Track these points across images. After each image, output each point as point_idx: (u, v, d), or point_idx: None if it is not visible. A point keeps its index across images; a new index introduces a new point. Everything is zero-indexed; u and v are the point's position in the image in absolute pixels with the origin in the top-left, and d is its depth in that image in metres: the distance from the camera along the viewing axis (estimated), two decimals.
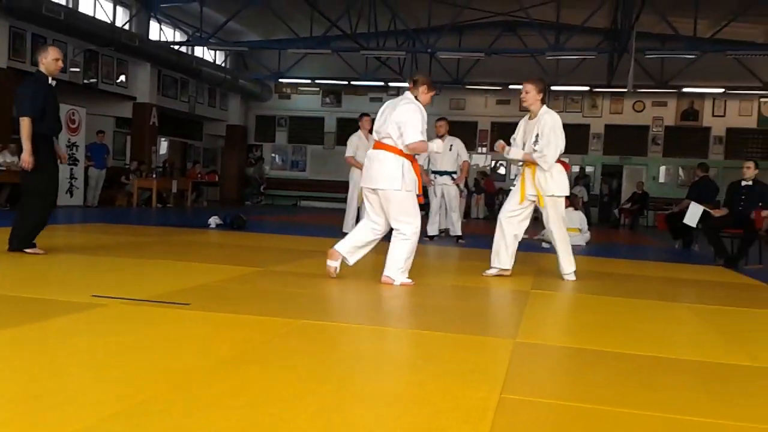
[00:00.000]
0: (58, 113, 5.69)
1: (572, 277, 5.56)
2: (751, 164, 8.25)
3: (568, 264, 5.57)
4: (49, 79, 5.58)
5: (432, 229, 9.38)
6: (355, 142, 9.30)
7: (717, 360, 3.05)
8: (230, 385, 2.25)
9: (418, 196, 4.78)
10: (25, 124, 5.28)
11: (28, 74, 13.49)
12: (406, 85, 21.82)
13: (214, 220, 10.02)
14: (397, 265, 4.73)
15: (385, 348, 2.98)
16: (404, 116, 4.65)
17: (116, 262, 5.31)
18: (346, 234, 9.12)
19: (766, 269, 7.61)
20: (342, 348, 2.92)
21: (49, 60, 5.56)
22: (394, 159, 4.66)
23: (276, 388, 2.24)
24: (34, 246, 5.47)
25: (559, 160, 5.43)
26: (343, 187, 10.31)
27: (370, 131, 9.42)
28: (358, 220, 9.39)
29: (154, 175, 16.43)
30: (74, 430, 1.76)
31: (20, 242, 5.42)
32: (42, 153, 5.40)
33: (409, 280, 4.78)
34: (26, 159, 5.29)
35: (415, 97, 4.84)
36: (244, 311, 3.56)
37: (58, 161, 5.67)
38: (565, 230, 5.64)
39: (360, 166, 9.21)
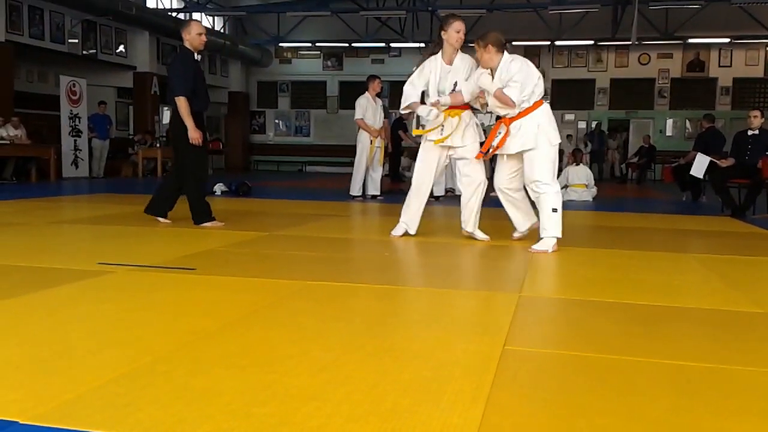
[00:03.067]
0: (206, 89, 5.79)
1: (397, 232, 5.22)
2: (757, 113, 8.16)
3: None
4: (195, 54, 5.61)
5: (438, 189, 9.35)
6: (364, 104, 9.20)
7: (723, 307, 3.05)
8: (236, 345, 2.27)
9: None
10: (181, 103, 5.41)
11: (25, 47, 13.53)
12: (407, 45, 21.41)
13: (219, 187, 10.03)
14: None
15: (389, 306, 3.00)
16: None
17: (122, 231, 5.33)
18: (353, 197, 9.21)
19: None
20: (347, 307, 2.93)
21: (193, 35, 5.55)
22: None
23: (281, 347, 2.25)
24: (212, 219, 5.63)
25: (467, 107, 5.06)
26: (348, 151, 10.25)
27: (378, 94, 9.39)
28: (365, 183, 9.40)
29: (158, 145, 16.40)
30: (81, 392, 1.78)
31: (197, 218, 5.61)
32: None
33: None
34: (193, 136, 5.42)
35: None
36: (250, 274, 3.58)
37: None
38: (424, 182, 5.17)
39: (369, 129, 9.18)
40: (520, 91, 4.63)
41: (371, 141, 9.18)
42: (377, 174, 9.46)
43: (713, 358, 2.25)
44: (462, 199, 5.14)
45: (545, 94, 4.97)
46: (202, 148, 5.58)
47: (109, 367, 2.00)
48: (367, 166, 9.29)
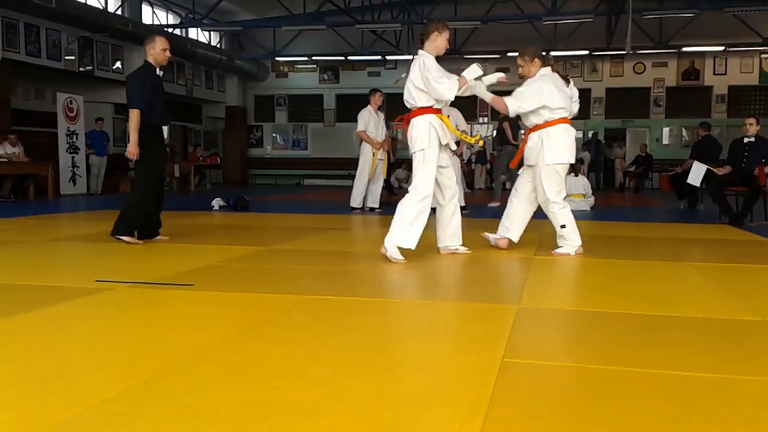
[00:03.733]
0: (164, 104, 5.66)
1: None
2: (753, 120, 8.18)
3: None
4: (157, 69, 5.57)
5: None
6: (366, 116, 9.21)
7: (721, 316, 3.05)
8: (234, 362, 2.26)
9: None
10: (133, 115, 5.32)
11: (21, 65, 13.56)
12: (403, 57, 21.46)
13: (217, 202, 10.04)
14: None
15: (387, 319, 2.99)
16: None
17: (120, 248, 5.31)
18: (353, 209, 9.18)
19: None
20: (344, 321, 2.92)
21: (157, 50, 5.50)
22: None
23: (279, 363, 2.24)
24: (132, 235, 5.49)
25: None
26: (346, 163, 10.26)
27: (380, 108, 9.40)
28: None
29: None
30: (77, 411, 1.78)
31: (117, 228, 5.46)
32: (150, 144, 5.43)
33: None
34: (131, 150, 5.35)
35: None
36: (248, 290, 3.58)
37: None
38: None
39: (372, 142, 9.18)
40: (516, 101, 4.87)
41: (374, 153, 9.19)
42: (377, 186, 9.46)
43: (712, 367, 2.25)
44: (444, 214, 4.94)
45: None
46: (159, 163, 5.55)
47: (106, 386, 1.99)
48: (369, 178, 9.29)
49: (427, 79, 4.54)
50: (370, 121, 9.18)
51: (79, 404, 1.83)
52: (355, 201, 9.32)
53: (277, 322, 2.88)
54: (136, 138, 5.34)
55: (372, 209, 9.37)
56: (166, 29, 17.74)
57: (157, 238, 5.69)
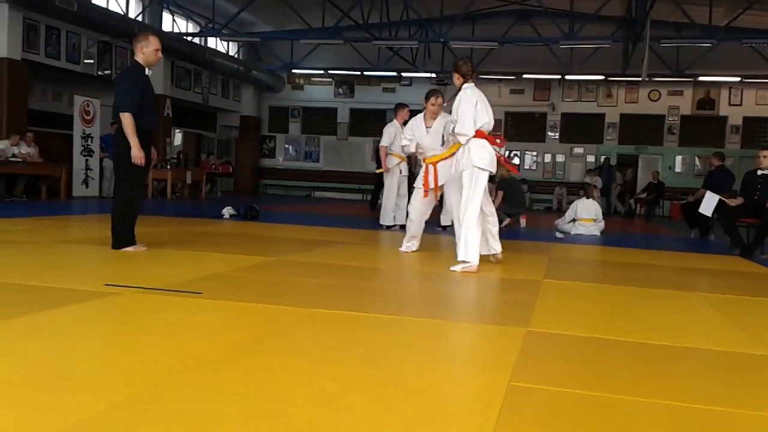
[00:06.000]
0: (155, 107, 5.46)
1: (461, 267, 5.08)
2: (767, 153, 8.15)
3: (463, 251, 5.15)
4: (147, 70, 5.37)
5: (445, 219, 9.29)
6: (392, 132, 9.05)
7: (729, 349, 3.02)
8: (240, 372, 2.26)
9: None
10: (126, 119, 5.13)
11: (40, 66, 13.70)
12: (419, 75, 21.62)
13: (227, 211, 10.07)
14: None
15: (394, 337, 2.98)
16: None
17: (130, 252, 5.33)
18: (388, 227, 9.02)
19: None
20: (352, 336, 2.92)
21: (150, 50, 5.31)
22: None
23: (285, 376, 2.24)
24: (134, 243, 5.34)
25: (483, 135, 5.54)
26: (357, 177, 10.21)
27: (405, 122, 9.31)
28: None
29: (168, 167, 16.49)
30: (82, 417, 1.78)
31: (116, 241, 5.32)
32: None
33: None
34: (136, 155, 5.13)
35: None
36: (256, 300, 3.58)
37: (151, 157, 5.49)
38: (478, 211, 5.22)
39: (390, 157, 9.10)
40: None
41: (400, 171, 9.12)
42: (404, 203, 9.31)
43: (718, 400, 2.23)
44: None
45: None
46: (142, 169, 5.29)
47: (112, 391, 1.99)
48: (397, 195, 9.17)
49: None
50: (397, 136, 8.96)
51: (86, 408, 1.83)
52: (387, 219, 9.12)
53: (284, 334, 2.88)
54: (136, 141, 5.13)
55: (402, 227, 9.23)
56: (185, 37, 17.90)
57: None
